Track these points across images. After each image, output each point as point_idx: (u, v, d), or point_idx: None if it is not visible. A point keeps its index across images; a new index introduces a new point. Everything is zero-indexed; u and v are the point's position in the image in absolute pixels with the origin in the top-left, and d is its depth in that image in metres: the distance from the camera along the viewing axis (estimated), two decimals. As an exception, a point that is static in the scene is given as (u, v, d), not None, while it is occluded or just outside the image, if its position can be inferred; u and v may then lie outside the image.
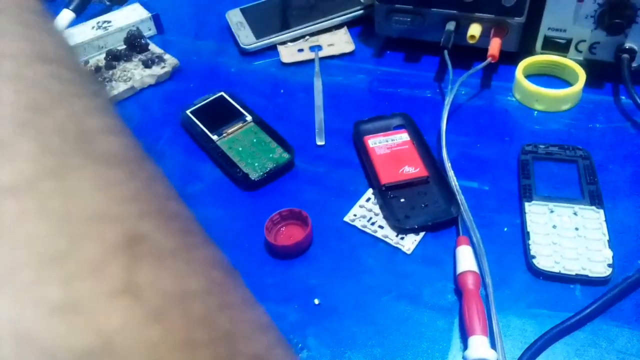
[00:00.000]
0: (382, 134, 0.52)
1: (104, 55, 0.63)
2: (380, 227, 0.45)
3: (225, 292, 0.14)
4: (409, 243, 0.44)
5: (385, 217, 0.46)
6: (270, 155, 0.51)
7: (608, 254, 0.41)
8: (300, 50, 0.64)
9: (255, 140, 0.52)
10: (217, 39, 0.67)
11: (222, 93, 0.57)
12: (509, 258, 0.42)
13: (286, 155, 0.50)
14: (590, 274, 0.40)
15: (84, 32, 0.64)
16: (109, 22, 0.66)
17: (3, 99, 0.12)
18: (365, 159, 0.50)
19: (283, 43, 0.64)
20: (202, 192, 0.50)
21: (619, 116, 0.53)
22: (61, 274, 0.11)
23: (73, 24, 0.64)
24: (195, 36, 0.68)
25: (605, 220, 0.43)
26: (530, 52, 0.58)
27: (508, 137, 0.52)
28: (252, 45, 0.63)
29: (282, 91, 0.60)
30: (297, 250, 0.44)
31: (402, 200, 0.47)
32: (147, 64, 0.62)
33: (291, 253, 0.44)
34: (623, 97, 0.55)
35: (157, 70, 0.62)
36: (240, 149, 0.52)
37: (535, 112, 0.54)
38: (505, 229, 0.44)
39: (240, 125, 0.54)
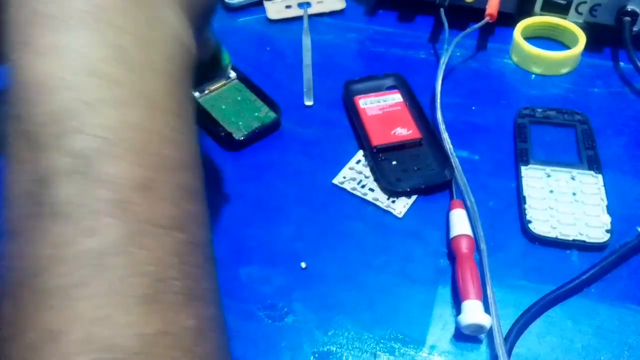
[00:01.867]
0: (373, 94, 0.49)
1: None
2: (371, 190, 0.43)
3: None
4: (400, 206, 0.42)
5: (376, 180, 0.44)
6: (256, 114, 0.48)
7: (606, 219, 0.39)
8: (288, 6, 0.60)
9: (239, 99, 0.50)
10: (200, -7, 0.64)
11: (205, 49, 0.54)
12: (504, 223, 0.40)
13: (272, 115, 0.48)
14: (587, 240, 0.38)
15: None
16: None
17: None
18: (356, 119, 0.48)
19: (270, -1, 0.61)
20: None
21: (618, 81, 0.51)
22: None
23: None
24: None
25: (604, 186, 0.41)
26: (529, 13, 0.55)
27: (504, 100, 0.50)
28: (237, 1, 0.60)
29: (268, 49, 0.56)
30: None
31: (394, 162, 0.44)
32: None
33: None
34: (622, 63, 0.53)
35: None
36: (224, 107, 0.49)
37: (533, 75, 0.52)
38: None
39: (224, 82, 0.51)
